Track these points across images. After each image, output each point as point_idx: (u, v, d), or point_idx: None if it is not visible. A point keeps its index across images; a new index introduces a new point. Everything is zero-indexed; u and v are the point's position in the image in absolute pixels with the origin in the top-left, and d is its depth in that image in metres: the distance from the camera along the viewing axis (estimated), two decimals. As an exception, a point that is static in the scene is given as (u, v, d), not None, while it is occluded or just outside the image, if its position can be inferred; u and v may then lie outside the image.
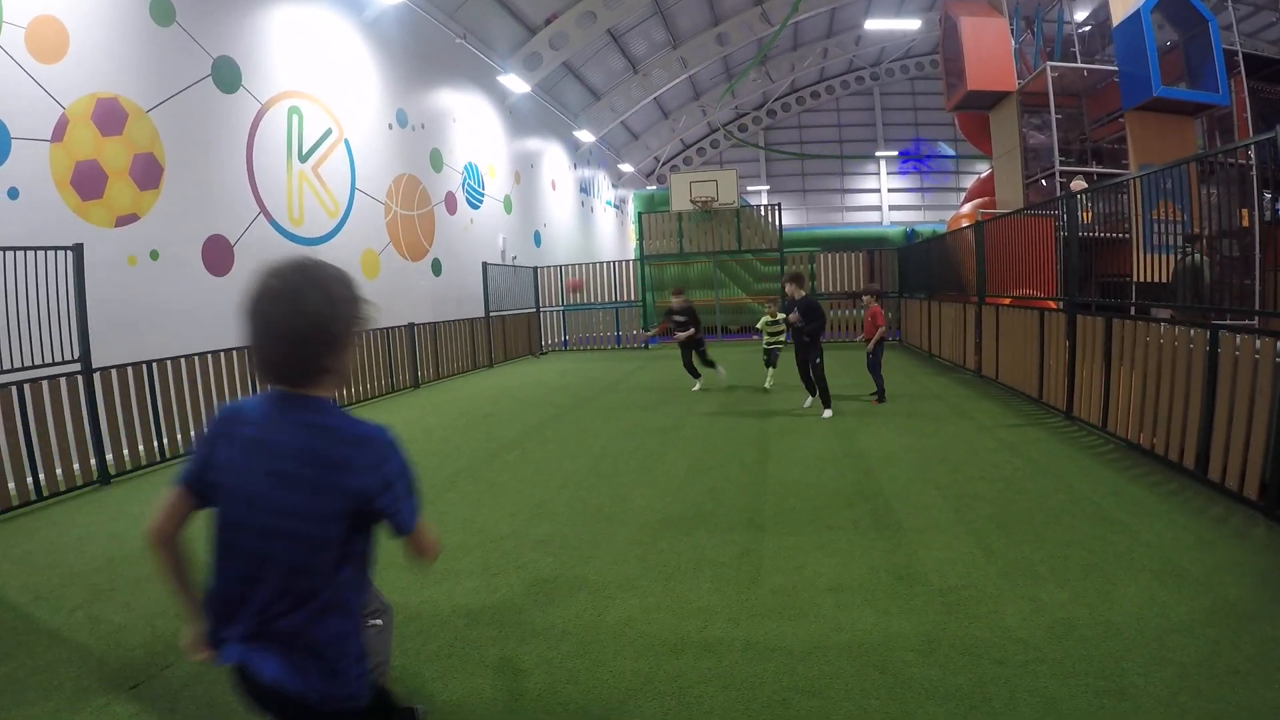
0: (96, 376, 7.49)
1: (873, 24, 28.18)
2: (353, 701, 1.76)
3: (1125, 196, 7.63)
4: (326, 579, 1.70)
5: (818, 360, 9.10)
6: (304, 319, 1.64)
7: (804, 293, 9.23)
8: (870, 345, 9.97)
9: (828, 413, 9.12)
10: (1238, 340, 5.22)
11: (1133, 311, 7.59)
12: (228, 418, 1.79)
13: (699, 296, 23.10)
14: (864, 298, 10.54)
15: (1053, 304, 9.18)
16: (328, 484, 1.67)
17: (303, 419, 1.72)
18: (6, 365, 6.56)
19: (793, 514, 5.45)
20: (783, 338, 11.25)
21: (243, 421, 1.76)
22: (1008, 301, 10.66)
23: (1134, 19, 13.37)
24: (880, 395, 10.03)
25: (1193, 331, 5.77)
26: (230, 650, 1.71)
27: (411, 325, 14.16)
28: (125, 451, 7.83)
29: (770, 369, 11.66)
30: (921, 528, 5.00)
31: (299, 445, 1.69)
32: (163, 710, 3.20)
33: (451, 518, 5.77)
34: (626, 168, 35.94)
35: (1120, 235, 8.45)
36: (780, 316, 11.05)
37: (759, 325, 11.49)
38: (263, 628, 1.69)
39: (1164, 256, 6.84)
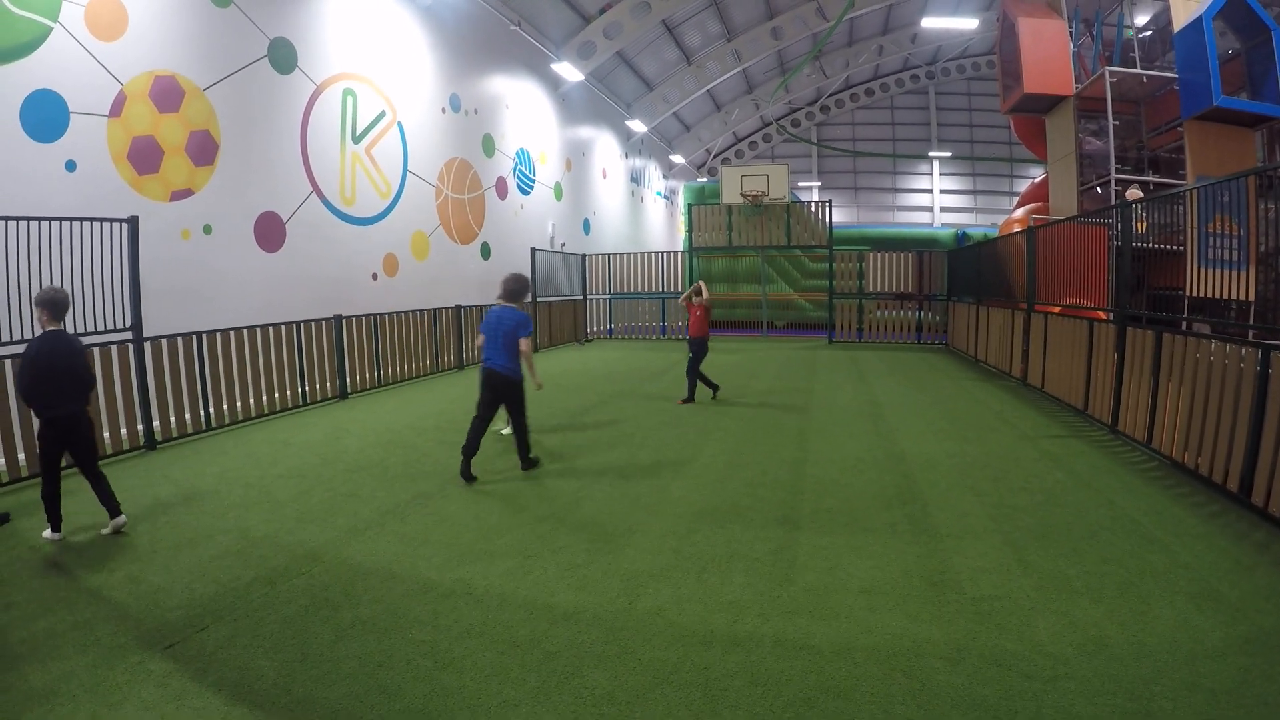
0: (147, 345, 7.76)
1: (929, 22, 27.61)
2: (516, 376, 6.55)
3: (1182, 208, 7.45)
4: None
5: None
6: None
7: None
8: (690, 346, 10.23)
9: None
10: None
11: (1184, 326, 7.43)
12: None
13: (747, 290, 23.07)
14: (694, 298, 10.36)
15: (1102, 314, 9.00)
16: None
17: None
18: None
19: (829, 514, 5.46)
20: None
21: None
22: (1057, 310, 10.47)
23: (1195, 25, 12.96)
24: (690, 397, 10.27)
25: (1244, 350, 5.63)
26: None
27: (459, 307, 14.36)
28: (172, 419, 8.10)
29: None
30: (958, 535, 4.97)
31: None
32: (195, 670, 3.33)
33: (490, 499, 5.88)
34: (677, 159, 35.86)
35: (1175, 248, 8.25)
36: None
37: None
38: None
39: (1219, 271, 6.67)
